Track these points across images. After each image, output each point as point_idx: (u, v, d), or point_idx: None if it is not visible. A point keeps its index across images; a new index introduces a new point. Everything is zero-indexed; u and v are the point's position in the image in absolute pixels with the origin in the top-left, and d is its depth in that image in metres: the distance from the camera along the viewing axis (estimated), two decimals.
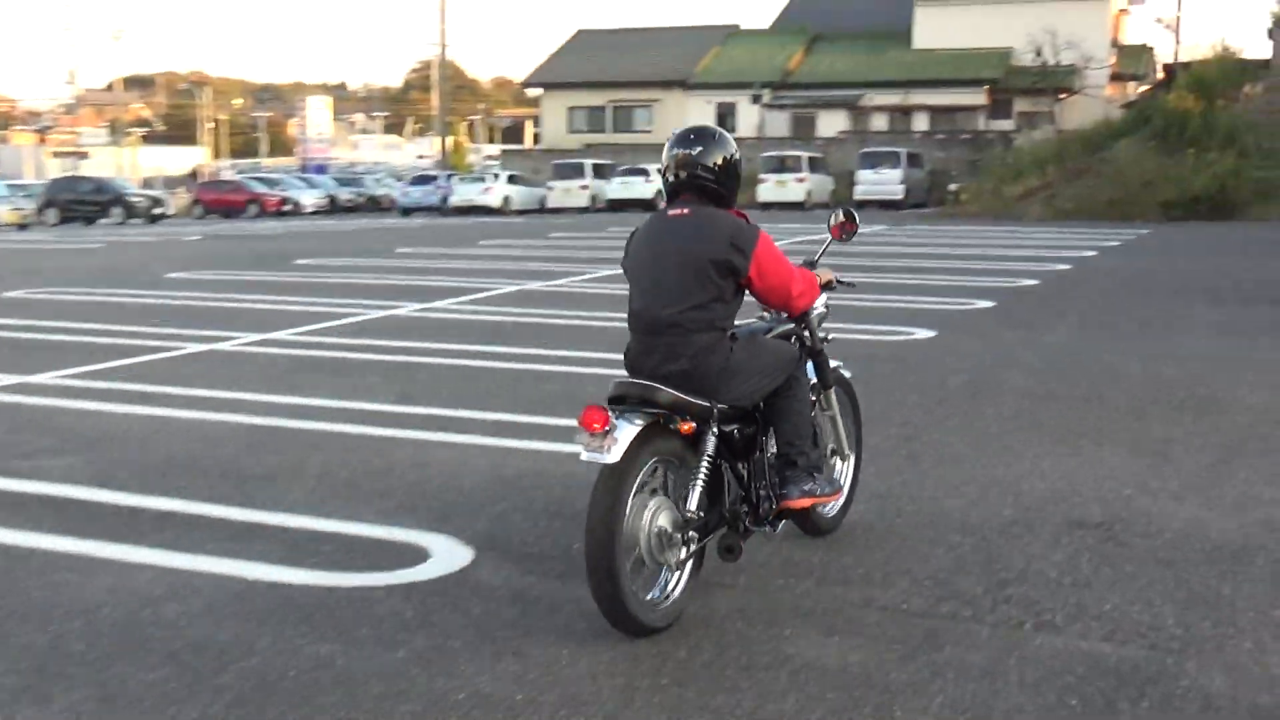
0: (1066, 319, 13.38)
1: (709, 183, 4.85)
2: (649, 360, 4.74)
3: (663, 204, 5.69)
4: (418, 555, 5.48)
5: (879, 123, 57.26)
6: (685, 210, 4.81)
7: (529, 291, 16.69)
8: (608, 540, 4.34)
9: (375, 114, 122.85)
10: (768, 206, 45.70)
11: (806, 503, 5.02)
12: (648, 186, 47.60)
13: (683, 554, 4.66)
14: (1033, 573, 5.18)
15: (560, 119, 64.74)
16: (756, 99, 58.87)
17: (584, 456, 4.39)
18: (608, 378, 9.77)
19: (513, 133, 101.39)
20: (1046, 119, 51.44)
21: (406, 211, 49.98)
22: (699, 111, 60.70)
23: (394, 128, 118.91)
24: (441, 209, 49.17)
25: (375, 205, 56.43)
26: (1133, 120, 38.48)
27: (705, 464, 4.69)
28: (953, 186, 42.28)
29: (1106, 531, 5.73)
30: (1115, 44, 60.89)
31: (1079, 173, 35.90)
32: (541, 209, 49.14)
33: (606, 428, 4.38)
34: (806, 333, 5.42)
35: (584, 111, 64.18)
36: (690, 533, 4.66)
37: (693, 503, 4.64)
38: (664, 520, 4.60)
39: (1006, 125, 54.94)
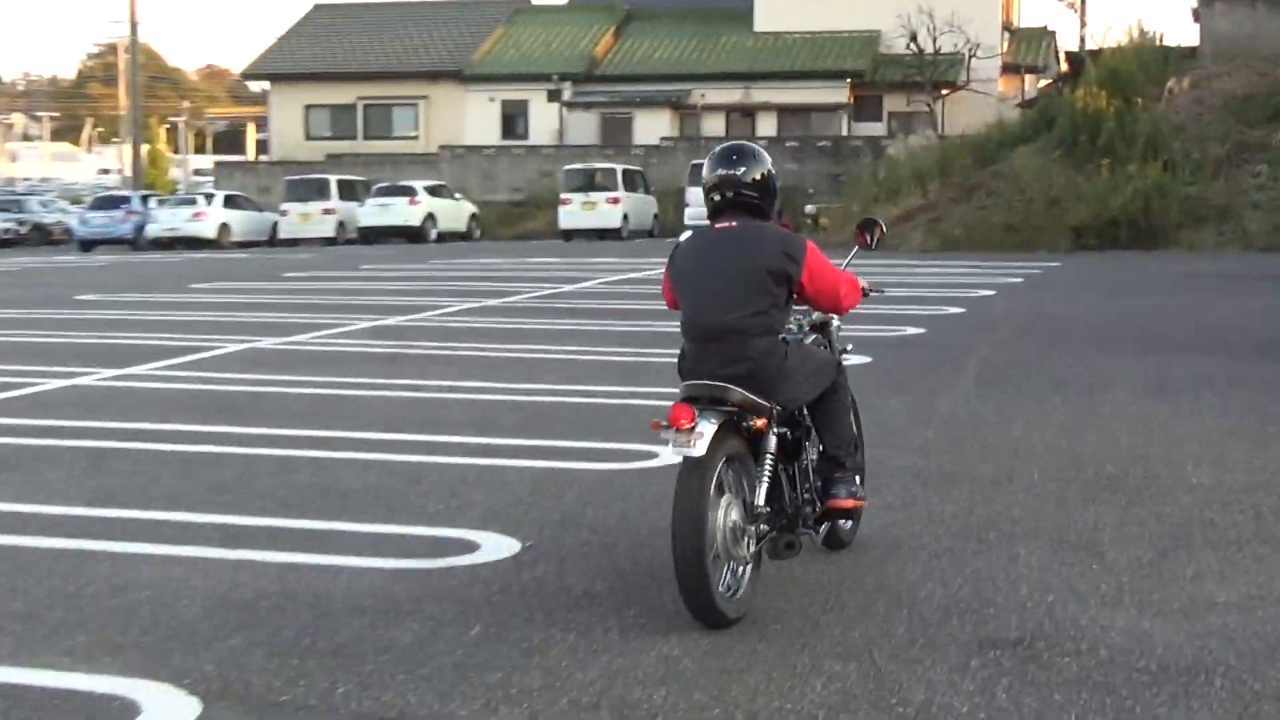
0: (963, 378, 13.78)
1: (752, 199, 6.66)
2: (708, 365, 6.39)
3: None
4: (124, 711, 5.35)
5: (714, 126, 58.36)
6: (733, 223, 6.59)
7: (261, 351, 16.50)
8: (696, 533, 5.91)
9: (40, 115, 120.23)
10: (571, 235, 45.89)
11: (852, 503, 6.80)
12: (414, 210, 47.50)
13: (751, 548, 6.28)
14: (937, 706, 5.29)
15: (294, 121, 64.32)
16: (554, 95, 59.43)
17: (670, 451, 6.08)
18: (374, 464, 9.71)
19: (230, 139, 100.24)
20: (925, 121, 53.04)
21: (87, 245, 48.94)
22: (480, 111, 61.01)
23: (67, 132, 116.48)
24: (135, 242, 48.31)
25: (44, 237, 55.19)
26: (1032, 123, 39.76)
27: (769, 461, 6.41)
28: (810, 208, 43.11)
29: (1027, 650, 5.88)
30: (1008, 27, 63.19)
31: (969, 190, 37.01)
32: (272, 240, 48.66)
33: (693, 423, 5.99)
34: (827, 343, 7.26)
35: (326, 111, 63.94)
36: (761, 526, 6.32)
37: (760, 497, 6.33)
38: (735, 515, 6.19)
39: (876, 129, 56.51)
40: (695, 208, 45.01)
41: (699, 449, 5.95)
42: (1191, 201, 34.46)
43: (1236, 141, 35.65)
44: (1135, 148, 35.12)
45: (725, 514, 6.12)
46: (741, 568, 6.25)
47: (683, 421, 5.96)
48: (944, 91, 54.92)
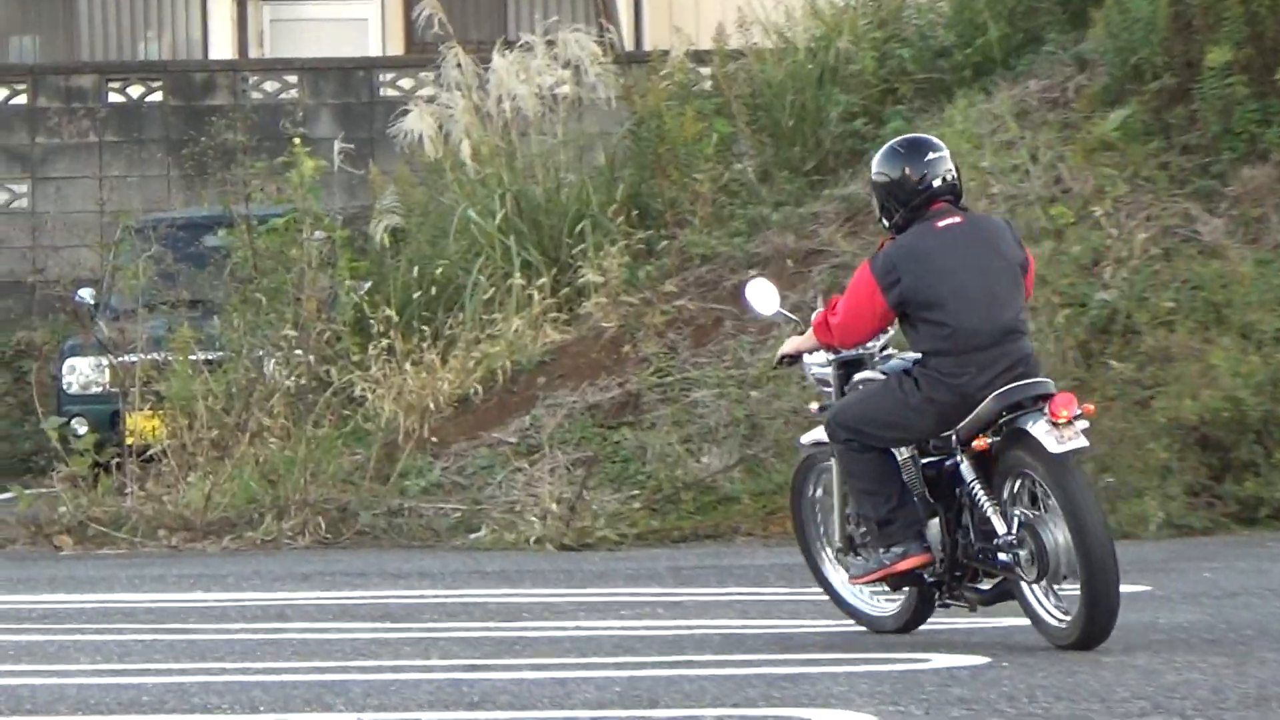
0: None
1: (954, 189, 6.61)
2: (985, 376, 6.29)
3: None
4: None
5: None
6: (957, 218, 6.52)
7: None
8: (1105, 526, 6.40)
9: None
10: None
11: None
12: None
13: None
14: None
15: None
16: None
17: (1057, 448, 6.12)
18: None
19: None
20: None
21: None
22: None
23: None
24: None
25: None
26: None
27: None
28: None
29: None
30: None
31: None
32: None
33: (1074, 415, 6.14)
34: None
35: None
36: None
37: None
38: None
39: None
40: None
41: (1085, 439, 6.14)
42: None
43: None
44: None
45: None
46: None
47: (1062, 412, 6.04)
48: None
